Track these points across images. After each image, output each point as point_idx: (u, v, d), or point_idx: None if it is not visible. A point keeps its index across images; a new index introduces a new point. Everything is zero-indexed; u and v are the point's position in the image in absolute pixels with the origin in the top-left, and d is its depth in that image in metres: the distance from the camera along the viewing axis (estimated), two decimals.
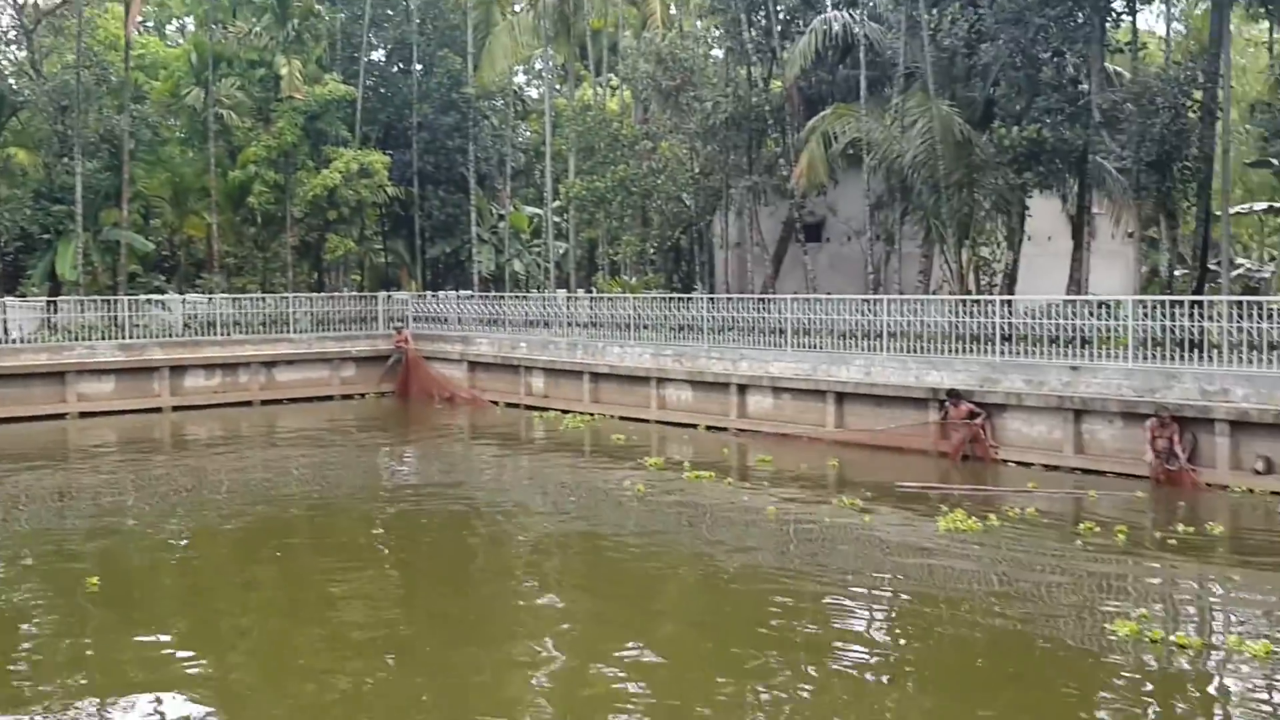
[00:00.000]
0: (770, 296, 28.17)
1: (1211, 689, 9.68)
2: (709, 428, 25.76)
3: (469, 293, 38.23)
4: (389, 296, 36.71)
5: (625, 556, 15.04)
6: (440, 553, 15.51)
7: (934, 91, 27.01)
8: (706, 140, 33.40)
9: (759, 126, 33.52)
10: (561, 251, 45.78)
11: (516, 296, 35.38)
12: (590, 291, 39.12)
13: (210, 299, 33.41)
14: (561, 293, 36.55)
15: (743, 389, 25.72)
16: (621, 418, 27.52)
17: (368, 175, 37.50)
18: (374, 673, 10.37)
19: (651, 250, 39.43)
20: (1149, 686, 9.79)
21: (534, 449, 24.95)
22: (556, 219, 44.26)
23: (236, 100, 39.51)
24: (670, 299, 29.64)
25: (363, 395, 33.23)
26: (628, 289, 36.65)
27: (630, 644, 11.09)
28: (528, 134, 49.87)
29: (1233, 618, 12.04)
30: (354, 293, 38.91)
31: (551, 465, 22.39)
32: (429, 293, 38.32)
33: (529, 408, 30.18)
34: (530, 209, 50.59)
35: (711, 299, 28.74)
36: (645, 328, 28.94)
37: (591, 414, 28.22)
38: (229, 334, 32.08)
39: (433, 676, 10.16)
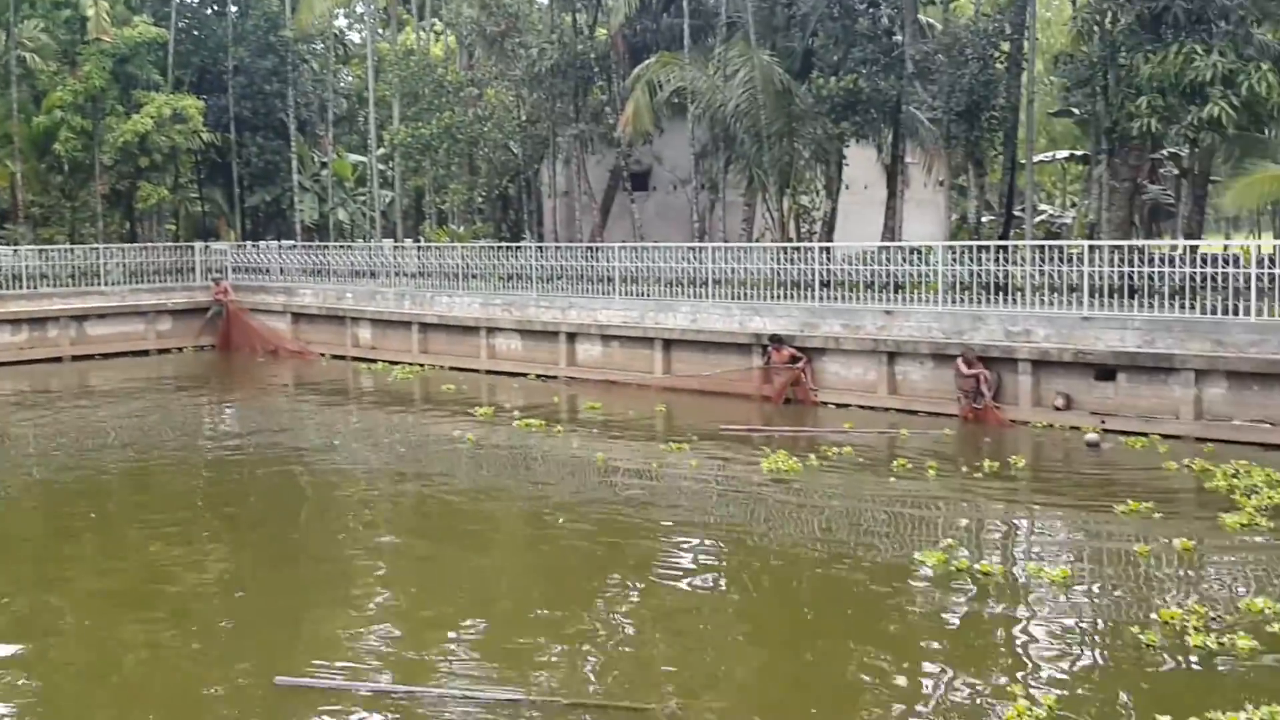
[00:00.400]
0: (598, 245, 28.36)
1: (1012, 613, 10.31)
2: (539, 376, 25.91)
3: (291, 243, 37.30)
4: (206, 247, 35.56)
5: (456, 506, 15.10)
6: (266, 510, 15.29)
7: (755, 41, 27.47)
8: (532, 88, 33.22)
9: (585, 74, 33.46)
10: (387, 200, 45.02)
11: (341, 246, 34.72)
12: (417, 241, 38.64)
13: (15, 250, 31.79)
14: (388, 242, 36.02)
15: (572, 337, 25.92)
16: (451, 368, 27.44)
17: (181, 121, 36.08)
18: (195, 635, 10.23)
19: (479, 199, 39.15)
20: (956, 612, 10.38)
21: (362, 401, 24.71)
22: (381, 167, 43.47)
23: (40, 43, 37.41)
24: (499, 248, 29.57)
25: (180, 349, 32.22)
26: (455, 238, 36.34)
27: (461, 591, 11.19)
28: (350, 79, 48.65)
29: (1033, 546, 12.83)
30: (169, 243, 37.55)
31: (380, 417, 22.23)
32: (249, 243, 37.26)
33: (356, 359, 29.80)
34: (354, 156, 49.52)
35: (540, 248, 28.78)
36: (474, 277, 28.82)
37: (420, 365, 28.06)
38: (36, 287, 30.61)
39: (263, 634, 10.10)
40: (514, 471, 17.14)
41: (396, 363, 28.44)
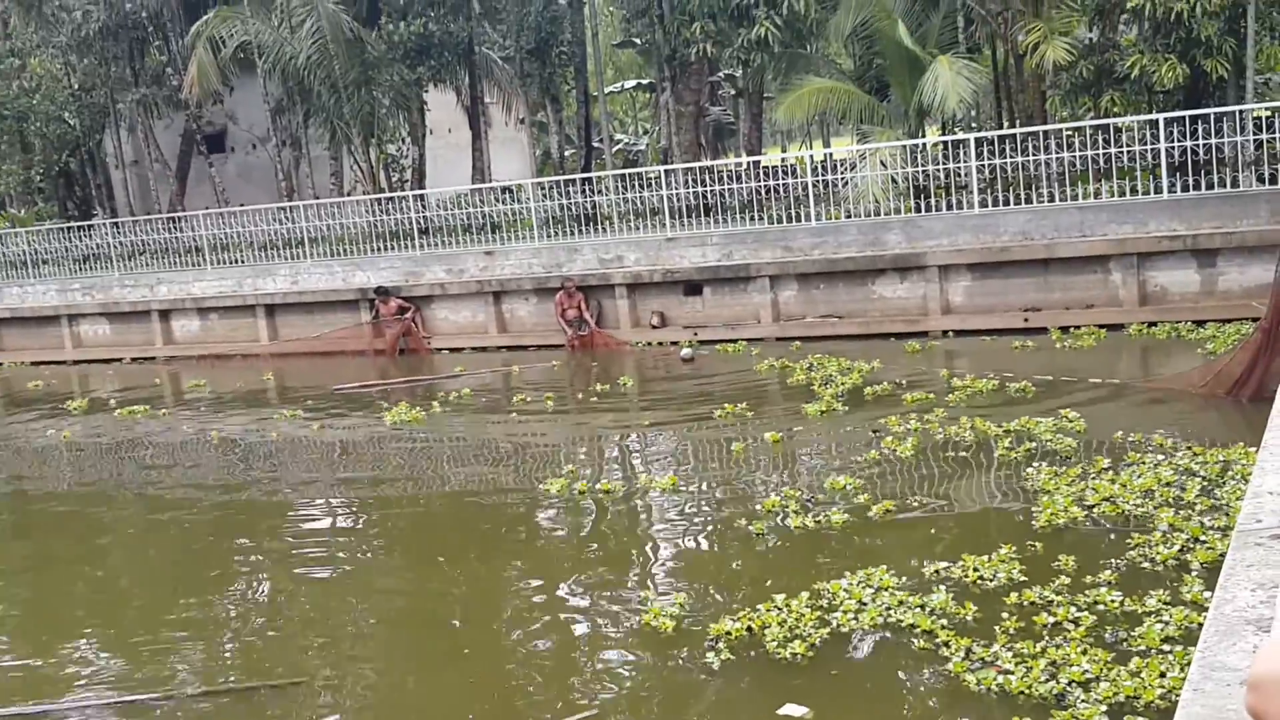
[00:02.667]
0: (180, 214, 27.10)
1: (634, 525, 11.10)
2: (135, 360, 24.63)
3: None
4: None
5: (61, 508, 14.22)
6: None
7: None
8: (82, 53, 30.99)
9: (139, 35, 31.56)
10: None
11: None
12: None
13: None
14: None
15: (165, 314, 24.73)
16: (34, 363, 25.55)
17: None
18: None
19: (38, 178, 36.14)
20: (585, 532, 11.05)
21: None
22: None
23: None
24: (69, 228, 27.57)
25: None
26: (18, 223, 33.49)
27: (83, 597, 10.68)
28: None
29: (647, 459, 13.74)
30: None
31: None
32: None
33: None
34: None
35: (116, 224, 27.14)
36: (46, 263, 26.80)
37: None
38: None
39: None
40: (121, 463, 16.35)
41: None
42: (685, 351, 18.98)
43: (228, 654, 8.87)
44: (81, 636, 9.66)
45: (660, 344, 19.90)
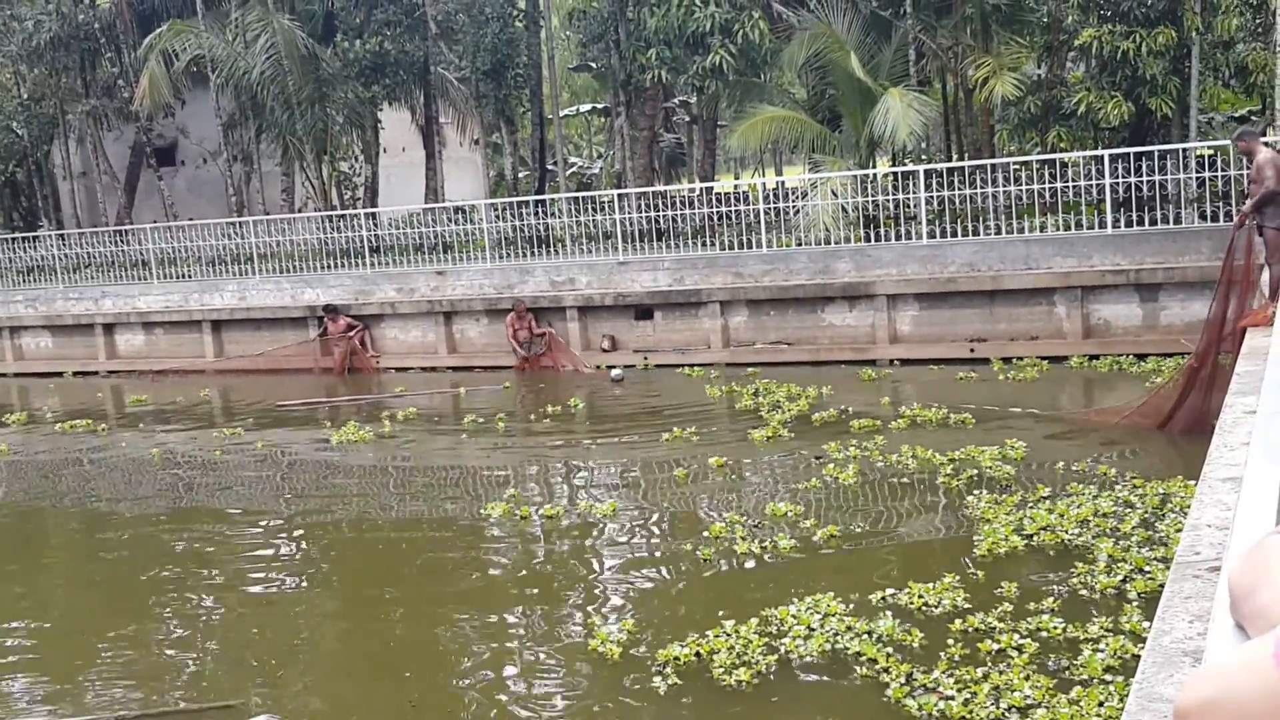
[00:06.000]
0: (128, 227, 26.81)
1: (579, 552, 11.03)
2: (77, 374, 24.27)
3: None
4: None
5: None
6: None
7: (273, 5, 26.77)
8: (32, 63, 30.65)
9: (91, 46, 31.26)
10: None
11: None
12: None
13: None
14: None
15: (109, 328, 24.42)
16: None
17: None
18: None
19: None
20: (528, 558, 10.98)
21: None
22: None
23: None
24: (13, 239, 27.21)
25: None
26: None
27: (13, 615, 10.47)
28: None
29: (591, 484, 13.68)
30: None
31: None
32: None
33: None
34: None
35: (61, 236, 26.80)
36: None
37: None
38: None
39: None
40: (60, 479, 16.08)
41: None
42: (615, 372, 19.04)
43: (160, 677, 8.71)
44: (8, 659, 9.46)
45: (611, 366, 19.91)
